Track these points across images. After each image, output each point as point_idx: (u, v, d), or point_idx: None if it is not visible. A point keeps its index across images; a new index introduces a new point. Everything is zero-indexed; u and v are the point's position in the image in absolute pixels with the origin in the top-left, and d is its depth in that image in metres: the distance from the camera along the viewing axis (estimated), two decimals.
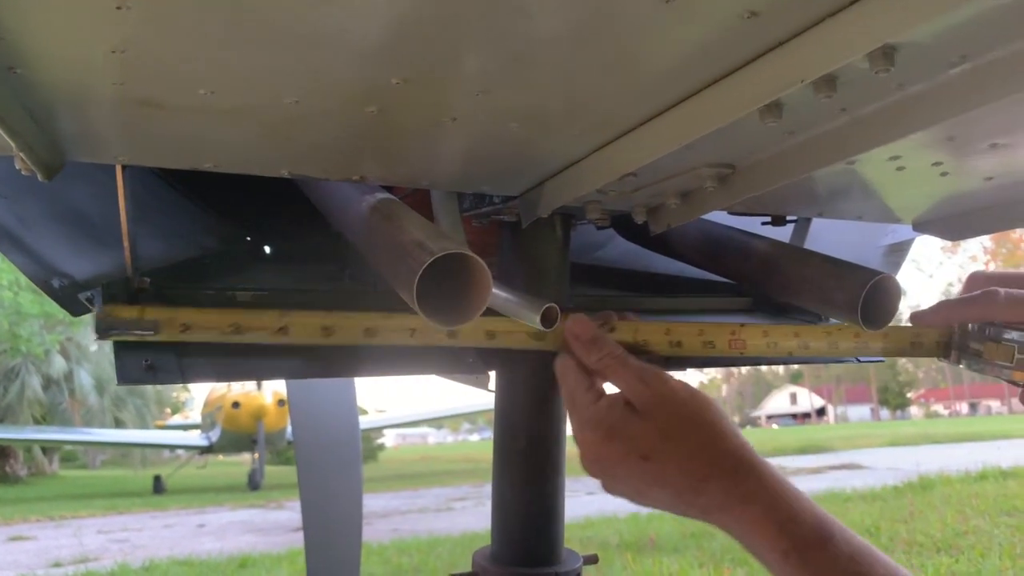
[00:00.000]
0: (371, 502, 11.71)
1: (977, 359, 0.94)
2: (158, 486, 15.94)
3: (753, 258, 1.01)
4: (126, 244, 0.78)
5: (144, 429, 20.14)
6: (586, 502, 9.99)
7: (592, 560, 0.97)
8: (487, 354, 0.89)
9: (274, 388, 16.43)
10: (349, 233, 0.78)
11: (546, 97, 0.60)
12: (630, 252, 1.30)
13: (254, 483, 15.24)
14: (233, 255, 1.18)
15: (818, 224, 1.15)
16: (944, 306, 0.98)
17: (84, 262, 0.86)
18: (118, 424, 22.00)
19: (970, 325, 0.96)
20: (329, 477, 2.11)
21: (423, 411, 25.11)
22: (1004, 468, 9.29)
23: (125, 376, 0.72)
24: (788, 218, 1.06)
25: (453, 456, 30.69)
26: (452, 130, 0.64)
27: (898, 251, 1.25)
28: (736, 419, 70.67)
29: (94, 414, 22.29)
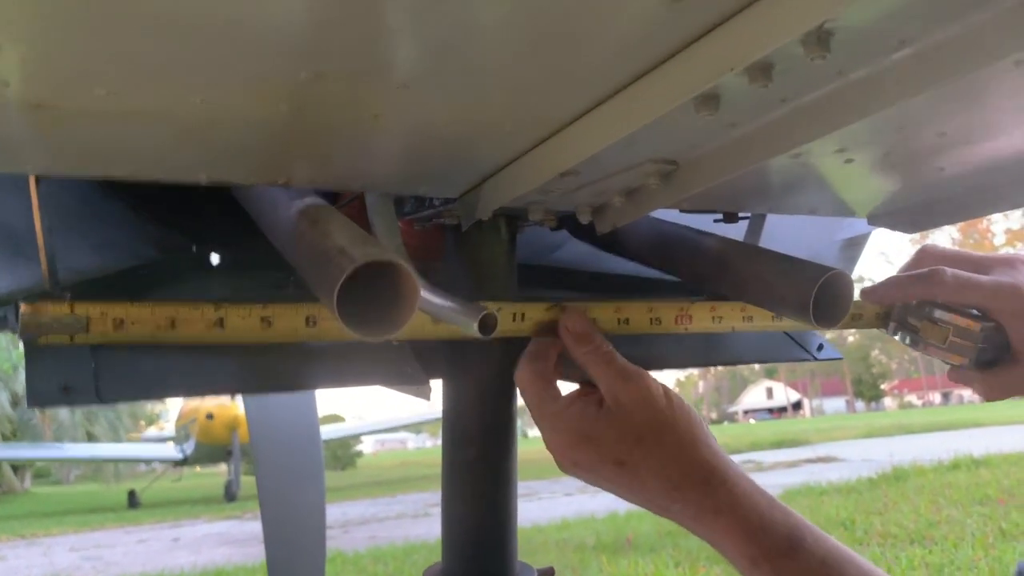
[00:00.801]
0: (349, 509, 11.63)
1: (913, 335, 0.95)
2: (132, 500, 15.74)
3: (704, 256, 0.98)
4: (42, 257, 0.74)
5: (117, 443, 19.86)
6: (564, 503, 9.99)
7: (548, 573, 0.94)
8: (429, 363, 0.86)
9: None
10: (276, 240, 0.75)
11: (474, 92, 0.57)
12: (588, 253, 1.27)
13: (230, 494, 15.09)
14: (174, 265, 1.14)
15: (773, 220, 1.13)
16: (893, 282, 0.98)
17: (3, 277, 0.82)
18: (91, 438, 21.71)
19: (913, 301, 0.96)
20: (290, 488, 2.06)
21: (401, 416, 24.99)
22: (976, 456, 9.39)
23: (37, 397, 0.68)
24: (741, 215, 1.04)
25: (432, 461, 30.58)
26: (376, 129, 0.61)
27: (855, 245, 1.23)
28: (713, 415, 71.11)
29: (65, 429, 21.96)
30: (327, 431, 22.73)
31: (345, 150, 0.65)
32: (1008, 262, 0.93)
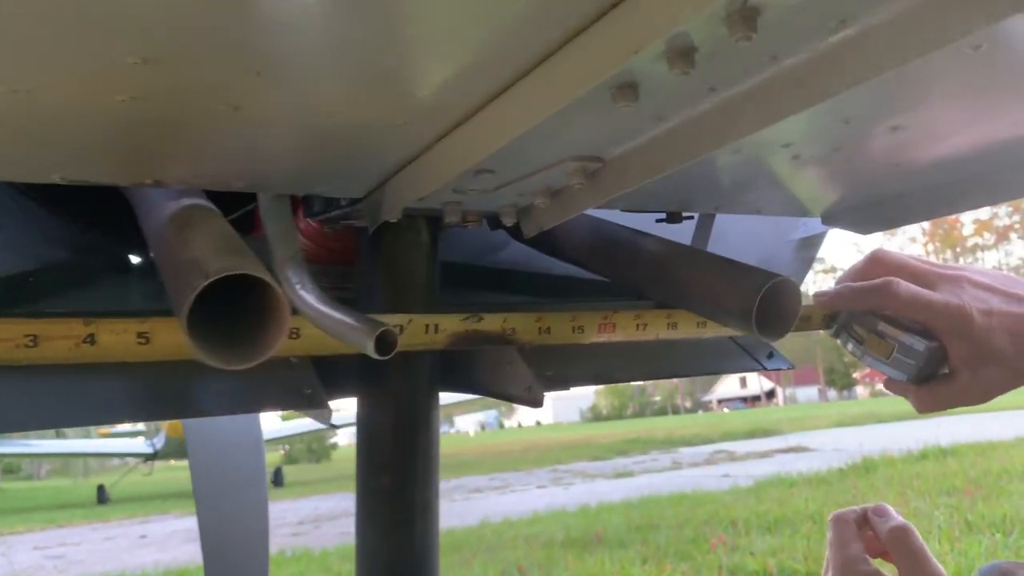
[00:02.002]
0: (320, 504, 11.52)
1: (857, 344, 0.91)
2: (102, 496, 15.52)
3: (642, 259, 0.91)
4: None
5: (86, 439, 19.55)
6: (535, 496, 9.95)
7: None
8: (339, 380, 0.78)
9: None
10: (151, 247, 0.66)
11: (347, 81, 0.49)
12: (535, 255, 1.20)
13: None
14: (87, 267, 1.05)
15: (724, 220, 1.06)
16: (845, 292, 0.93)
17: None
18: (59, 434, 21.37)
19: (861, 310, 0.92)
20: (229, 490, 1.97)
21: None
22: (944, 446, 9.45)
23: None
24: (686, 214, 0.97)
25: None
26: (240, 122, 0.52)
27: (810, 246, 1.16)
28: (688, 404, 71.52)
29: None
30: (299, 425, 22.56)
31: (213, 146, 0.57)
32: (954, 280, 0.90)
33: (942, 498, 6.13)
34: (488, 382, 0.91)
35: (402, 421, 0.81)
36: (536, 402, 0.88)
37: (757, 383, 73.25)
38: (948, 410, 0.92)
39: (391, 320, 0.74)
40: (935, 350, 0.86)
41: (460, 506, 9.67)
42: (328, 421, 0.77)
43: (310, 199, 0.79)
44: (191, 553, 7.63)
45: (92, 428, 23.39)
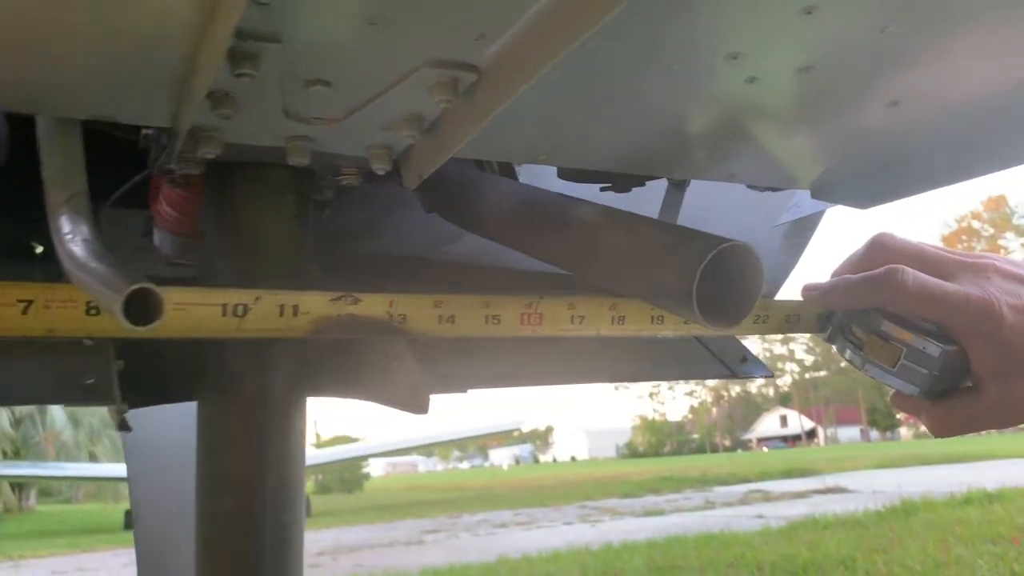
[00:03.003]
0: (343, 535, 11.33)
1: (856, 350, 0.74)
2: (129, 521, 15.43)
3: (571, 230, 0.73)
4: None
5: (118, 463, 19.59)
6: (561, 532, 9.65)
7: None
8: (153, 380, 0.61)
9: None
10: None
11: None
12: (492, 247, 1.04)
13: None
14: None
15: (699, 201, 0.89)
16: (841, 285, 0.75)
17: None
18: (92, 458, 21.51)
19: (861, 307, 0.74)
20: (172, 519, 1.80)
21: (408, 438, 24.55)
22: (990, 491, 9.00)
23: None
24: (640, 181, 0.79)
25: (439, 485, 30.21)
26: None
27: (803, 229, 0.98)
28: (727, 442, 70.34)
29: (68, 448, 21.77)
30: (329, 453, 22.44)
31: None
32: (978, 269, 0.72)
33: (986, 546, 5.77)
34: (367, 383, 0.73)
35: (251, 430, 0.64)
36: (419, 407, 0.71)
37: (798, 422, 71.90)
38: (971, 433, 0.74)
39: (231, 298, 0.57)
40: (953, 355, 0.69)
41: (482, 541, 9.43)
42: (120, 422, 0.60)
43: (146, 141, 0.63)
44: None
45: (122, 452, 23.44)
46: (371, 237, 1.05)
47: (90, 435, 22.95)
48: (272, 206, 0.65)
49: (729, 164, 0.76)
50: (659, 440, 69.05)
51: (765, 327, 0.81)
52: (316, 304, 0.63)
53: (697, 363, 0.83)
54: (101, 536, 13.52)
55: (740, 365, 0.84)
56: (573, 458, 64.69)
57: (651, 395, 73.27)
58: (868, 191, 0.79)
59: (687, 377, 0.82)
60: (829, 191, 0.81)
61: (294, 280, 0.70)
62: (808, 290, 0.80)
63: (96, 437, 22.95)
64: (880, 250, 0.76)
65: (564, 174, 0.80)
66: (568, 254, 0.75)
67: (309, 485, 28.43)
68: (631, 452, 66.17)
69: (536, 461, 66.22)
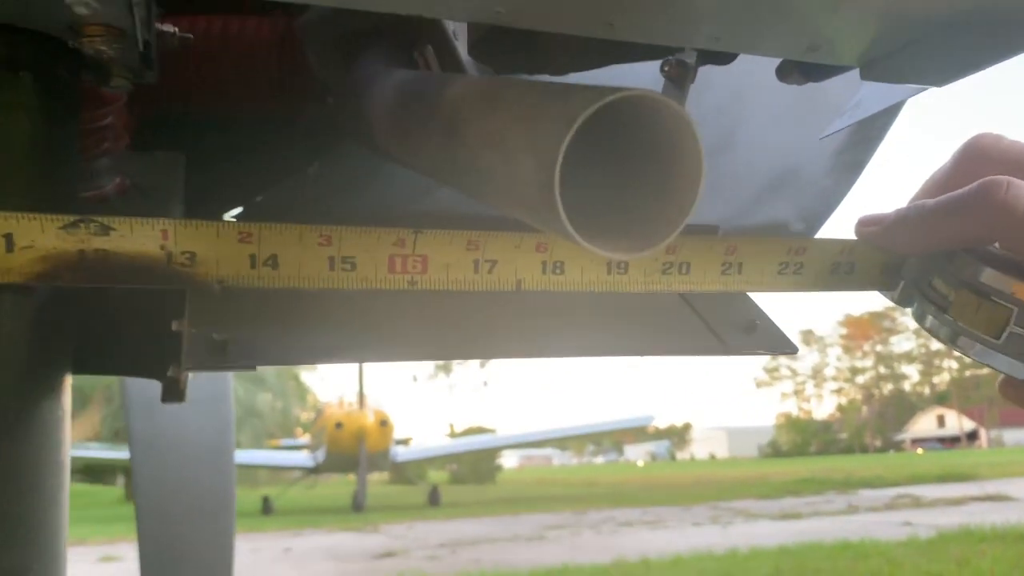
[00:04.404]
0: (467, 528, 11.29)
1: (939, 313, 0.49)
2: (266, 507, 16.00)
3: (440, 113, 0.46)
4: None
5: (257, 450, 20.42)
6: (689, 534, 9.21)
7: None
8: None
9: (376, 408, 16.27)
10: None
11: None
12: (468, 202, 0.79)
13: (357, 504, 15.10)
14: None
15: (729, 122, 0.60)
16: (915, 215, 0.47)
17: None
18: (239, 446, 22.52)
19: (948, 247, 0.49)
20: (185, 516, 1.62)
21: (541, 431, 24.42)
22: None
23: None
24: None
25: (570, 479, 29.96)
26: None
27: (863, 138, 0.66)
28: (878, 443, 66.99)
29: None
30: (463, 443, 22.65)
31: None
32: None
33: None
34: (131, 353, 0.50)
35: None
36: (174, 393, 0.48)
37: (957, 422, 67.63)
38: None
39: None
40: None
41: (604, 539, 9.14)
42: None
43: None
44: (320, 571, 7.53)
45: (264, 439, 24.47)
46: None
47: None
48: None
49: (762, 31, 0.47)
50: (804, 439, 66.45)
51: (796, 280, 0.53)
52: (43, 234, 0.40)
53: (673, 333, 0.54)
54: (241, 520, 14.02)
55: (743, 336, 0.54)
56: (712, 456, 63.08)
57: (796, 392, 70.73)
58: (945, 57, 0.48)
59: (649, 352, 0.53)
60: (883, 67, 0.51)
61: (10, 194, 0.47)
62: (865, 225, 0.53)
63: (240, 425, 24.03)
64: (979, 159, 0.50)
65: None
66: (431, 156, 0.49)
67: (443, 475, 28.81)
68: (773, 451, 63.91)
69: (673, 459, 64.94)
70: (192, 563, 1.62)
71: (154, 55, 0.52)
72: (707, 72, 0.59)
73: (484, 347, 0.55)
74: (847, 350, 67.91)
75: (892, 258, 0.53)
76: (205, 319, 0.48)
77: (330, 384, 67.13)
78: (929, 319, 0.50)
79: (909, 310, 0.54)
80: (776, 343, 0.53)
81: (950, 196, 0.47)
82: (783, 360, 55.95)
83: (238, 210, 1.23)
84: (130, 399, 1.55)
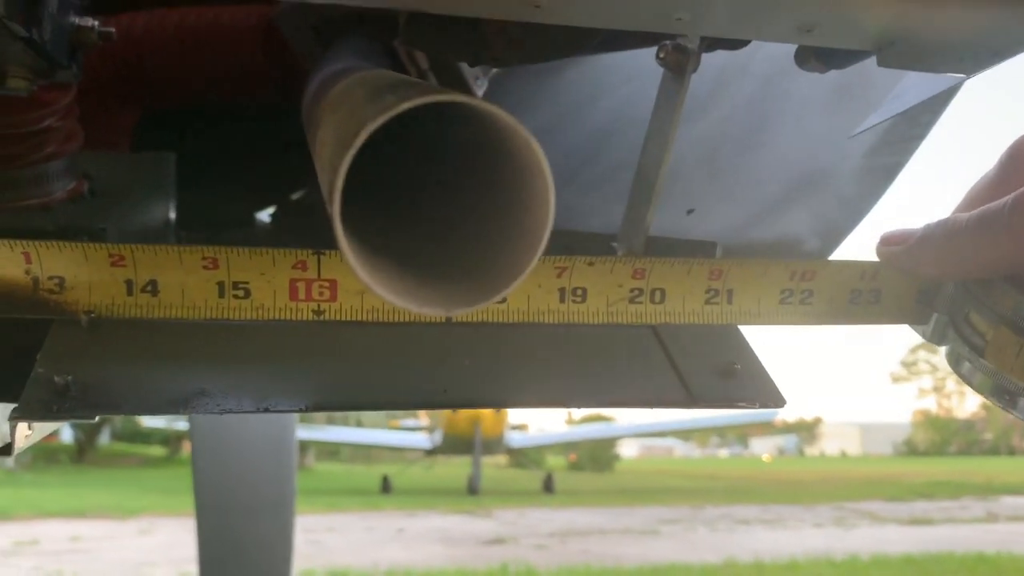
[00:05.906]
0: (580, 517, 11.23)
1: (975, 355, 0.40)
2: (386, 486, 16.37)
3: (315, 111, 0.38)
4: None
5: (379, 429, 20.96)
6: (808, 536, 8.83)
7: None
8: None
9: None
10: None
11: None
12: None
13: (472, 487, 15.28)
14: None
15: (748, 121, 0.50)
16: (942, 231, 0.42)
17: None
18: (359, 424, 23.11)
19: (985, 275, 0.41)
20: (242, 510, 1.59)
21: (661, 422, 24.04)
22: None
23: None
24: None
25: (691, 472, 29.41)
26: None
27: (896, 146, 0.53)
28: None
29: (337, 413, 23.59)
30: (581, 431, 22.53)
31: None
32: None
33: None
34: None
35: None
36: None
37: None
38: None
39: None
40: None
41: (719, 537, 8.88)
42: None
43: None
44: (429, 555, 7.62)
45: (386, 418, 25.04)
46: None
47: None
48: None
49: (747, 13, 0.37)
50: (943, 438, 63.03)
51: (803, 311, 0.42)
52: None
53: (624, 377, 0.43)
54: (357, 498, 14.41)
55: (716, 383, 0.42)
56: (843, 453, 60.65)
57: (935, 388, 67.24)
58: (973, 45, 0.36)
59: (594, 404, 0.42)
60: (904, 51, 0.39)
61: None
62: (887, 244, 0.44)
63: None
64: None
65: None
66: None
67: (561, 462, 28.76)
68: (909, 450, 60.91)
69: (801, 454, 62.85)
70: (251, 557, 1.60)
71: (69, 51, 0.45)
72: (737, 57, 0.48)
73: (410, 395, 0.46)
74: None
75: (927, 285, 0.42)
76: (64, 355, 0.42)
77: None
78: (966, 365, 0.39)
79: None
80: (757, 394, 0.42)
81: (984, 210, 0.37)
82: (922, 354, 53.15)
83: (271, 209, 1.17)
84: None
